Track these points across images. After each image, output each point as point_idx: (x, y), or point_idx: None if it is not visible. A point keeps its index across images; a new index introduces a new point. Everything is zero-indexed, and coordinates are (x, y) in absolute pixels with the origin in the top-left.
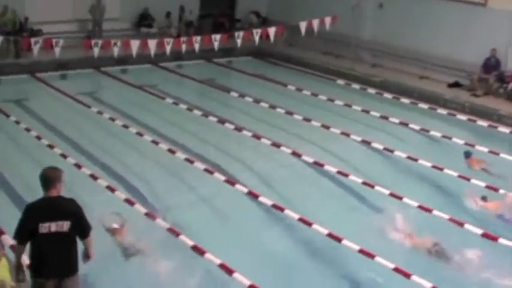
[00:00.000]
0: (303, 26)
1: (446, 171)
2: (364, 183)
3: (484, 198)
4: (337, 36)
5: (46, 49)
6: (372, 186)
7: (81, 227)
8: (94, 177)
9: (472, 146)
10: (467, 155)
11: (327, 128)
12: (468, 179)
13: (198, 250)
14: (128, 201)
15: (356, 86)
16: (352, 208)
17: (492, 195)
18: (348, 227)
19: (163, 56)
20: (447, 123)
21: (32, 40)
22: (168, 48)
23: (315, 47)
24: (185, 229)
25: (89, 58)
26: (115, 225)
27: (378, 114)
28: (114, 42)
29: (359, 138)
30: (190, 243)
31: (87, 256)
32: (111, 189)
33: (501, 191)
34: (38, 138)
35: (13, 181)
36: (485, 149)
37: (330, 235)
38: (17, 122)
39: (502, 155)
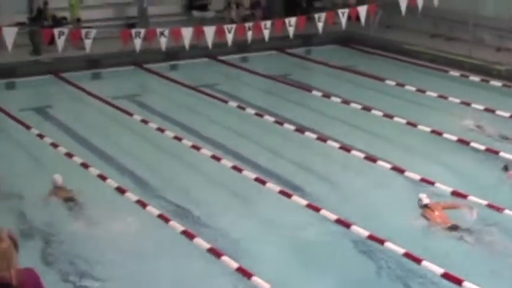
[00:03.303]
0: (403, 2)
1: None
2: (490, 205)
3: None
4: (449, 14)
5: (73, 42)
6: (502, 210)
7: None
8: (142, 203)
9: None
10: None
11: (439, 134)
12: None
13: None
14: (186, 233)
15: (475, 77)
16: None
17: None
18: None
19: (224, 47)
20: None
21: (55, 31)
22: (229, 37)
23: (420, 28)
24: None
25: (129, 52)
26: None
27: (506, 114)
28: (161, 32)
29: (482, 147)
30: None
31: None
32: (165, 219)
33: None
34: (69, 155)
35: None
36: None
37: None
38: (40, 136)
39: None
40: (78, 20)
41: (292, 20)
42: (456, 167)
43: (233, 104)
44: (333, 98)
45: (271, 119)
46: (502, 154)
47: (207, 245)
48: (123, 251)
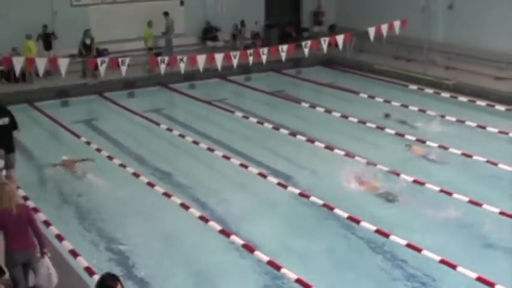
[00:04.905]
0: (371, 31)
1: None
2: (442, 190)
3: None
4: (407, 40)
5: (113, 68)
6: (450, 194)
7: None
8: (167, 195)
9: None
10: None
11: (402, 135)
12: None
13: (274, 265)
14: (202, 218)
15: (429, 90)
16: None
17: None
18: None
19: (231, 69)
20: None
21: (98, 60)
22: (235, 62)
23: (386, 52)
24: (258, 246)
25: (156, 75)
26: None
27: (453, 119)
28: (181, 58)
29: (435, 144)
30: (266, 258)
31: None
32: (185, 207)
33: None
34: (110, 158)
35: (85, 203)
36: None
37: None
38: (88, 143)
39: None
40: (150, 49)
41: (285, 47)
42: (417, 162)
43: (239, 114)
44: (318, 108)
45: (270, 125)
46: (452, 150)
47: (219, 227)
48: (152, 233)
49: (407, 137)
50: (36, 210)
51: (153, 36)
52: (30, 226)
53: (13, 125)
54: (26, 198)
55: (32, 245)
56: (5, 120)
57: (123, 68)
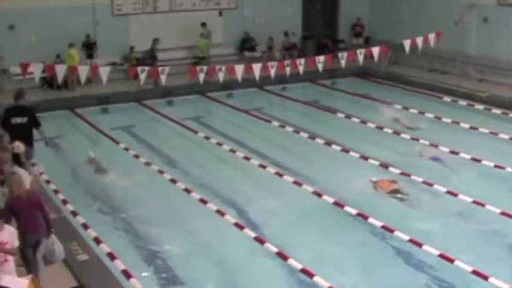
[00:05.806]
0: (406, 44)
1: None
2: (474, 202)
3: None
4: (442, 53)
5: (152, 77)
6: (482, 205)
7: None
8: (203, 201)
9: None
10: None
11: (435, 146)
12: None
13: (308, 273)
14: (237, 225)
15: (463, 102)
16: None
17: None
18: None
19: (268, 79)
20: None
21: (138, 69)
22: (272, 72)
23: (420, 64)
24: (291, 254)
25: (195, 84)
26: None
27: (486, 131)
28: (219, 68)
29: (468, 156)
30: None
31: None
32: (221, 214)
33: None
34: (148, 164)
35: (123, 208)
36: None
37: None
38: (126, 149)
39: None
40: (203, 58)
41: (321, 58)
42: (449, 173)
43: (276, 123)
44: (353, 119)
45: (306, 135)
46: (484, 162)
47: (253, 234)
48: (187, 237)
49: (441, 148)
50: (74, 213)
51: (206, 46)
52: (39, 210)
53: (33, 123)
54: (65, 202)
55: (41, 227)
56: (23, 119)
57: (163, 77)
